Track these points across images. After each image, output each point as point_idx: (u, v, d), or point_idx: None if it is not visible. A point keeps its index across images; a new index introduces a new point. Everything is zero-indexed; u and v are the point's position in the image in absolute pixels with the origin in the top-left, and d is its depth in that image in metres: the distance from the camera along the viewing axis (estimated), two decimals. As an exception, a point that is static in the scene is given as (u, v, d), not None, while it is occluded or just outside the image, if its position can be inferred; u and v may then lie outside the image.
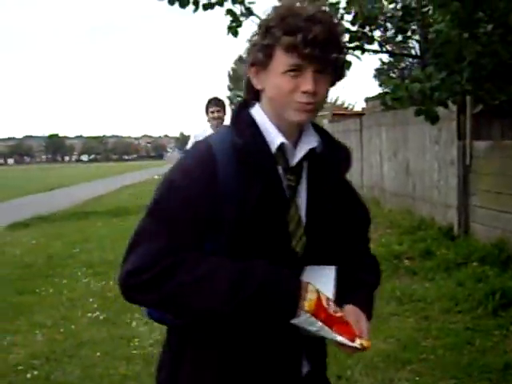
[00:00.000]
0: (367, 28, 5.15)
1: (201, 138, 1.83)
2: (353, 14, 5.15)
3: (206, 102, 7.69)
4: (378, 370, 4.56)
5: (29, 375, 4.92)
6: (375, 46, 5.37)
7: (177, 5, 5.05)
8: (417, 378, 4.40)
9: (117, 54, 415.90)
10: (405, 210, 11.28)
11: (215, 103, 7.63)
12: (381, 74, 24.15)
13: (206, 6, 5.08)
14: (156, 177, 40.44)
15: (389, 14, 5.23)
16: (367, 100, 21.04)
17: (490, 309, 5.79)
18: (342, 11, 5.15)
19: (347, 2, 5.14)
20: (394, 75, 22.68)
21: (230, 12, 5.14)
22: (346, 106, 39.76)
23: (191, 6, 5.05)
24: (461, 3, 4.28)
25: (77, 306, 6.89)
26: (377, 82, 27.20)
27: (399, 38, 5.77)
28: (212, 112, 7.54)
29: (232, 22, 5.15)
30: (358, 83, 34.03)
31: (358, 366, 4.63)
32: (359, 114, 19.30)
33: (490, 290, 6.08)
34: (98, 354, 5.31)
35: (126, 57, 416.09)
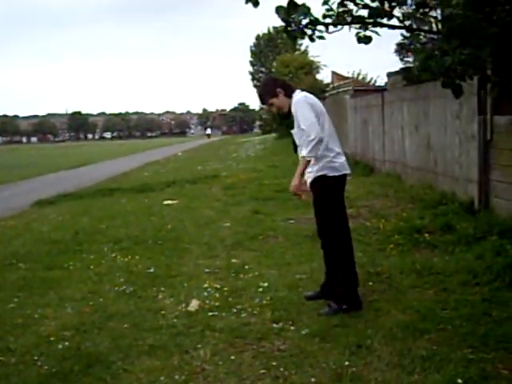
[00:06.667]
0: (386, 4, 5.17)
1: None
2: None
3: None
4: (396, 340, 4.66)
5: (60, 346, 5.08)
6: (394, 22, 5.38)
7: None
8: (434, 347, 4.49)
9: (139, 31, 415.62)
10: (426, 185, 11.30)
11: None
12: (402, 48, 24.02)
13: None
14: (179, 154, 40.57)
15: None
16: (389, 75, 20.95)
17: (507, 281, 5.84)
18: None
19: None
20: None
21: None
22: (368, 80, 39.55)
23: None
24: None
25: (104, 281, 7.06)
26: (397, 58, 27.10)
27: (418, 13, 5.79)
28: None
29: None
30: (380, 58, 33.84)
31: (378, 335, 4.74)
32: (381, 90, 19.25)
33: (508, 263, 6.13)
34: (126, 325, 5.47)
35: (147, 33, 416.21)
